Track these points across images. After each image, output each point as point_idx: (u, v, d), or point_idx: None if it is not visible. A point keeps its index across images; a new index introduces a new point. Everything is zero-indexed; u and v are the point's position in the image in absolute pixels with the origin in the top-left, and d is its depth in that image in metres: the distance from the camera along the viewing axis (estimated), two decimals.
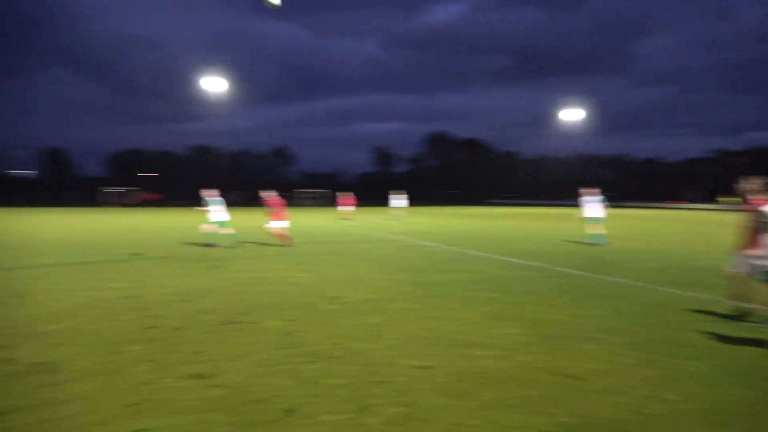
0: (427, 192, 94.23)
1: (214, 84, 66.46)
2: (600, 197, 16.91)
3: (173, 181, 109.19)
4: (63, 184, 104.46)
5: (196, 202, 19.30)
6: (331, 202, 74.50)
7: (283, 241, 15.81)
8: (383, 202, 42.93)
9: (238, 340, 5.80)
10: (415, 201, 51.19)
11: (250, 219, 30.32)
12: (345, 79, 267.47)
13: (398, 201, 34.15)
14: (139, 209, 52.82)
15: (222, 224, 15.73)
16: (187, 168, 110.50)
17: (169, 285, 9.12)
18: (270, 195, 16.24)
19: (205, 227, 15.78)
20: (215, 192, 16.03)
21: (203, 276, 10.10)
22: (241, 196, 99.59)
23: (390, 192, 35.28)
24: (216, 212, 15.69)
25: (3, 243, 16.50)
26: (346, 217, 33.42)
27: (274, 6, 9.89)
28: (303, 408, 4.03)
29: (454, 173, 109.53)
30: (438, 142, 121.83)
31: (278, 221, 15.75)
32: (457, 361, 5.19)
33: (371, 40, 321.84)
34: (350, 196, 34.41)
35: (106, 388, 4.38)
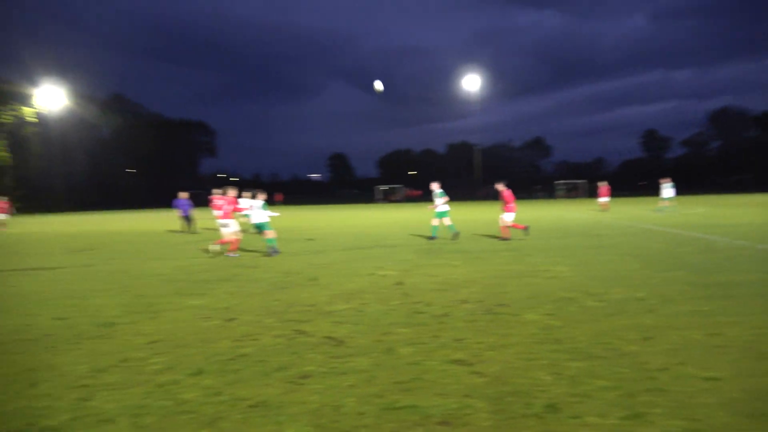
0: (703, 179, 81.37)
1: (471, 82, 68.51)
2: None
3: (434, 178, 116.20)
4: (344, 184, 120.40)
5: (454, 197, 20.05)
6: (588, 194, 70.01)
7: (504, 234, 15.32)
8: (650, 191, 38.42)
9: (498, 331, 5.84)
10: (687, 189, 44.51)
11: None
12: (605, 62, 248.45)
13: (668, 190, 30.08)
14: (403, 205, 57.61)
15: (442, 215, 15.88)
16: (446, 165, 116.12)
17: (433, 274, 9.69)
18: (503, 187, 15.59)
19: (434, 221, 16.01)
20: (437, 185, 16.45)
21: (463, 267, 10.47)
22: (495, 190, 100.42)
23: (661, 180, 31.35)
24: (440, 205, 15.90)
25: (300, 235, 19.72)
26: (605, 209, 30.99)
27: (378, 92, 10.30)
28: (566, 407, 3.83)
29: (743, 155, 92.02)
30: (723, 119, 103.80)
31: (510, 213, 15.18)
32: (750, 375, 4.33)
33: (637, 14, 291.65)
34: (606, 187, 31.78)
35: (381, 364, 4.85)
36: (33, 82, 67.05)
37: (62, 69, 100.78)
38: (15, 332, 6.38)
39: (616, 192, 36.23)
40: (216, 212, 14.12)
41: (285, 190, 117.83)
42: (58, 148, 67.96)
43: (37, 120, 69.12)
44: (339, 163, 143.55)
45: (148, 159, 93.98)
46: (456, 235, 15.83)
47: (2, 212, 28.15)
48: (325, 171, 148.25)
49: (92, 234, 23.37)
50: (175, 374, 4.74)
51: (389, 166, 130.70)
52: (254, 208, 13.63)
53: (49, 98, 64.82)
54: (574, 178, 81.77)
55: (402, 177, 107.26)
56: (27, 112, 67.36)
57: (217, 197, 14.64)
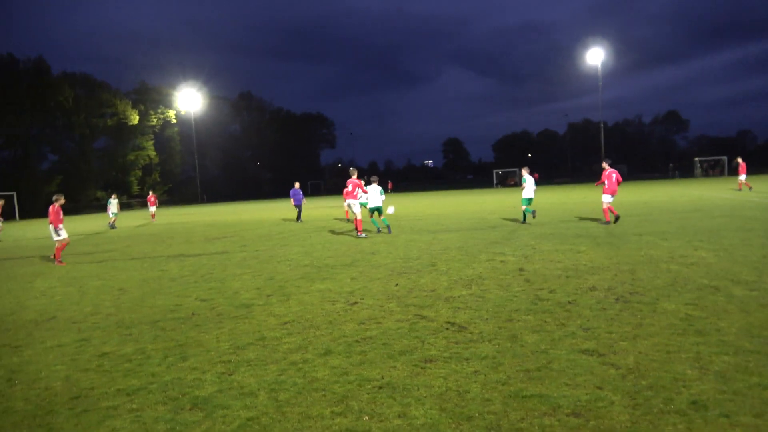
0: None
1: (594, 56, 64.40)
2: None
3: (553, 160, 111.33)
4: (459, 170, 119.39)
5: (576, 179, 19.18)
6: (733, 171, 63.04)
7: (605, 216, 14.72)
8: None
9: (631, 321, 5.46)
10: None
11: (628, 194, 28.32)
12: (754, 19, 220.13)
13: None
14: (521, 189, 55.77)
15: (530, 201, 16.15)
16: (566, 146, 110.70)
17: (556, 260, 9.30)
18: (607, 166, 15.28)
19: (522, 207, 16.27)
20: (526, 170, 17.06)
21: (589, 253, 9.93)
22: (622, 170, 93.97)
23: None
24: (528, 189, 16.13)
25: (412, 223, 19.87)
26: (743, 187, 27.80)
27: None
28: (714, 404, 3.49)
29: None
30: None
31: (606, 195, 14.82)
32: None
33: None
34: (743, 163, 28.44)
35: (505, 351, 4.75)
36: (174, 87, 74.10)
37: (198, 73, 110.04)
38: (168, 311, 7.12)
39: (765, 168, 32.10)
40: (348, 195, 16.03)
41: (399, 177, 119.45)
42: (195, 145, 74.56)
43: (176, 120, 76.36)
44: (454, 148, 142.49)
45: (272, 152, 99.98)
46: (534, 214, 16.08)
47: (152, 205, 31.59)
48: (440, 157, 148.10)
49: (225, 224, 25.36)
50: (306, 354, 5.00)
51: (506, 150, 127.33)
52: (371, 193, 15.16)
53: (188, 100, 71.17)
54: (715, 154, 73.85)
55: (519, 160, 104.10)
56: (170, 114, 74.64)
57: (349, 181, 16.35)
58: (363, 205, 15.76)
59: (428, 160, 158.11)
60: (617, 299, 6.37)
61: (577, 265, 8.76)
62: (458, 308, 6.37)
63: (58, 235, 12.89)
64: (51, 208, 12.78)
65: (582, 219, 16.31)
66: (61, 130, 64.71)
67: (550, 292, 6.95)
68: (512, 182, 74.29)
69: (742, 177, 28.48)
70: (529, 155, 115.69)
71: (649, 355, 4.47)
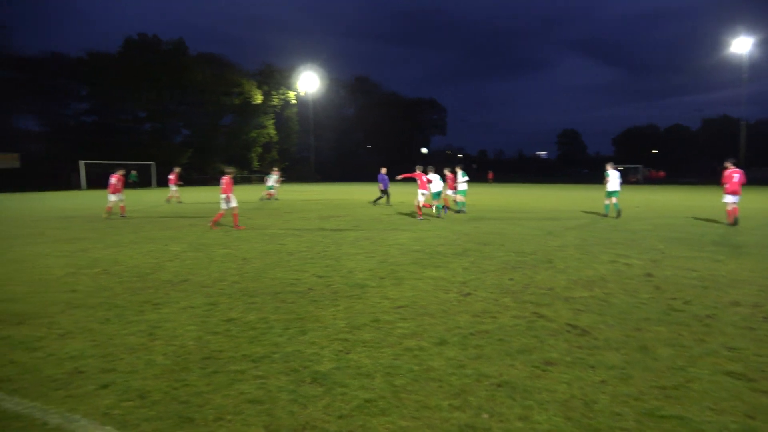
0: None
1: (738, 46, 58.11)
2: None
3: (682, 158, 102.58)
4: (574, 163, 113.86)
5: (705, 179, 17.87)
6: None
7: (728, 217, 14.78)
8: None
9: None
10: None
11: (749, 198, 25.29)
12: None
13: None
14: (644, 187, 52.05)
15: (612, 194, 17.28)
16: (700, 143, 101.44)
17: (690, 268, 8.51)
18: (730, 165, 14.99)
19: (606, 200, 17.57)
20: (610, 164, 17.91)
21: (729, 263, 8.98)
22: (765, 172, 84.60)
23: None
24: (612, 183, 17.26)
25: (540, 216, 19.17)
26: None
27: None
28: None
29: None
30: None
31: (728, 195, 14.76)
32: None
33: None
34: None
35: (635, 363, 4.40)
36: (295, 69, 77.41)
37: (317, 57, 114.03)
38: (288, 284, 7.44)
39: None
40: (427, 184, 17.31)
41: (510, 168, 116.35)
42: (312, 125, 77.58)
43: (296, 101, 79.80)
44: (569, 140, 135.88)
45: (383, 135, 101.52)
46: (619, 213, 17.22)
47: (276, 182, 33.44)
48: (554, 149, 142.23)
49: (338, 203, 26.15)
50: (421, 341, 4.97)
51: (627, 144, 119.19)
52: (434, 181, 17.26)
53: (307, 82, 74.06)
54: None
55: (642, 156, 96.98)
56: (290, 95, 78.17)
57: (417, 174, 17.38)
58: (434, 194, 17.50)
59: (541, 151, 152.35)
60: (766, 318, 5.68)
61: (715, 275, 7.94)
62: (579, 310, 6.02)
63: (229, 203, 14.32)
64: (225, 179, 14.29)
65: (718, 223, 14.82)
66: (194, 107, 70.07)
67: (685, 303, 6.35)
68: (634, 180, 69.40)
69: None
70: (655, 151, 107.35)
71: None
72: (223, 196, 14.28)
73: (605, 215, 17.61)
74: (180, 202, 26.99)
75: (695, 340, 4.97)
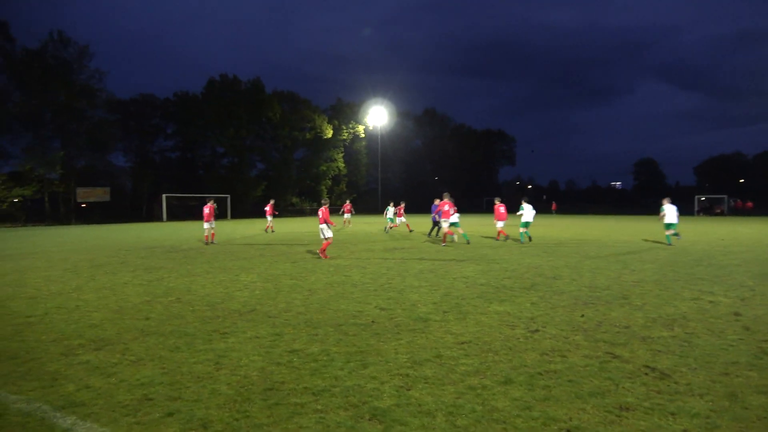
0: None
1: None
2: None
3: None
4: (652, 193, 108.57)
5: None
6: None
7: None
8: None
9: None
10: None
11: None
12: None
13: None
14: (730, 218, 48.72)
15: (670, 226, 18.44)
16: None
17: None
18: None
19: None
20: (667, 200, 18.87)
21: None
22: None
23: None
24: (669, 216, 18.43)
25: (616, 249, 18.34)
26: None
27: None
28: None
29: None
30: None
31: None
32: None
33: None
34: None
35: (723, 411, 4.01)
36: (365, 103, 79.36)
37: (386, 91, 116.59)
38: (351, 316, 7.44)
39: None
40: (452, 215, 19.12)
41: (582, 198, 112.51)
42: (380, 158, 78.77)
43: (364, 135, 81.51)
44: (647, 170, 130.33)
45: (452, 167, 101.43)
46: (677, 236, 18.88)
47: (347, 213, 34.29)
48: (629, 179, 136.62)
49: (402, 235, 26.16)
50: (485, 379, 4.79)
51: (710, 173, 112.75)
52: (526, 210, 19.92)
53: (376, 116, 75.60)
54: None
55: (728, 185, 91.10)
56: (359, 129, 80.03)
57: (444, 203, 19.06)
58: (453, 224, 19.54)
59: (616, 181, 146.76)
60: None
61: None
62: (658, 351, 5.61)
63: (327, 234, 14.90)
64: (323, 209, 14.92)
65: None
66: (269, 141, 73.16)
67: None
68: (719, 210, 65.15)
69: None
70: (741, 180, 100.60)
71: None
72: (323, 225, 14.84)
73: (669, 244, 18.58)
74: (273, 232, 28.66)
75: None
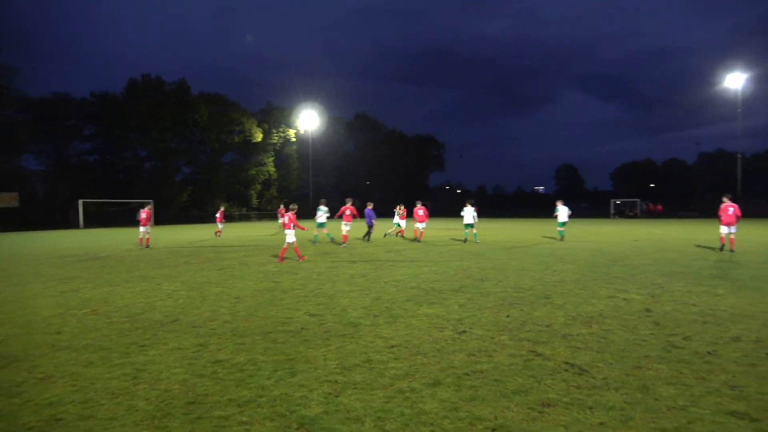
0: None
1: (732, 81, 59.12)
2: None
3: (679, 191, 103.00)
4: (572, 197, 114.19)
5: (703, 213, 18.08)
6: None
7: (722, 241, 16.71)
8: None
9: None
10: None
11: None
12: None
13: None
14: (642, 221, 52.06)
15: (562, 224, 22.76)
16: (696, 176, 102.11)
17: (690, 302, 8.36)
18: (726, 200, 16.76)
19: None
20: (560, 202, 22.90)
21: (729, 297, 8.83)
22: (762, 205, 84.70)
23: None
24: (561, 215, 22.38)
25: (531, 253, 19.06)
26: None
27: None
28: None
29: None
30: None
31: (724, 226, 16.69)
32: None
33: None
34: None
35: (635, 403, 4.23)
36: (296, 107, 78.49)
37: (318, 95, 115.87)
38: (280, 323, 7.28)
39: None
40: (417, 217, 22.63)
41: (508, 203, 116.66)
42: (311, 162, 78.09)
43: (295, 139, 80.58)
44: (568, 175, 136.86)
45: (384, 171, 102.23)
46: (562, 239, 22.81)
47: (281, 216, 33.38)
48: (552, 184, 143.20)
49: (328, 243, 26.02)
50: (414, 382, 4.81)
51: (626, 179, 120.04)
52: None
53: (307, 120, 74.92)
54: None
55: (640, 190, 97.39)
56: (290, 133, 79.03)
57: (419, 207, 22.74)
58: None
59: (539, 186, 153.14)
60: None
61: (715, 310, 7.80)
62: (577, 348, 5.86)
63: (290, 239, 15.28)
64: (290, 214, 15.32)
65: (719, 259, 14.71)
66: (196, 145, 70.73)
67: (685, 339, 6.20)
68: (632, 214, 69.41)
69: None
70: (652, 185, 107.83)
71: None
72: (288, 231, 15.22)
73: (561, 239, 22.84)
74: (220, 236, 29.65)
75: (696, 379, 4.81)
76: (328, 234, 23.18)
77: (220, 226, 30.81)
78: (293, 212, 15.37)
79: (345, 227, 20.61)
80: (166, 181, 63.45)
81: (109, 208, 55.33)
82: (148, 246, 21.57)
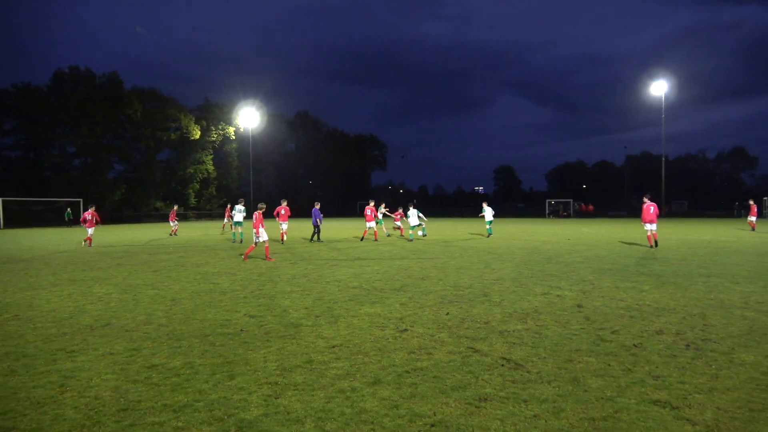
0: None
1: (658, 88, 62.63)
2: None
3: (609, 192, 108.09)
4: (510, 197, 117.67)
5: (631, 212, 19.11)
6: None
7: (649, 241, 18.33)
8: None
9: (706, 371, 5.01)
10: None
11: (696, 231, 26.91)
12: None
13: None
14: (575, 220, 54.33)
15: (489, 222, 25.05)
16: (624, 178, 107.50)
17: (618, 298, 8.81)
18: (647, 200, 18.33)
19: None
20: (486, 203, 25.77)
21: (653, 292, 9.37)
22: (683, 206, 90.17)
23: None
24: (488, 215, 25.02)
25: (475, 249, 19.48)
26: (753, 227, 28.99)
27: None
28: None
29: None
30: None
31: (646, 224, 18.26)
32: None
33: None
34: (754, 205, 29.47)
35: (567, 395, 4.42)
36: (236, 105, 76.69)
37: (258, 92, 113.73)
38: (218, 325, 7.12)
39: None
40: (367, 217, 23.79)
41: (449, 203, 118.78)
42: (251, 161, 76.63)
43: (235, 137, 78.79)
44: (505, 176, 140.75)
45: (325, 171, 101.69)
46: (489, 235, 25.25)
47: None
48: (491, 184, 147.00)
49: (277, 239, 25.66)
50: (355, 381, 4.82)
51: (559, 180, 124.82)
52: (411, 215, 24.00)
53: (247, 118, 73.38)
54: None
55: (573, 191, 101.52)
56: (229, 130, 77.18)
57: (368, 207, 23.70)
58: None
59: (479, 186, 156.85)
60: (688, 346, 5.90)
61: (640, 305, 8.25)
62: (514, 343, 6.06)
63: (260, 237, 15.38)
64: (256, 214, 15.35)
65: (642, 247, 15.57)
66: (129, 142, 67.84)
67: (613, 332, 6.53)
68: (565, 213, 72.26)
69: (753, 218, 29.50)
70: (584, 186, 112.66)
71: (729, 411, 4.06)
72: (255, 230, 15.37)
73: (489, 235, 25.45)
74: (176, 235, 30.06)
75: (623, 370, 5.07)
76: (240, 233, 24.06)
77: (173, 224, 31.08)
78: (260, 211, 15.42)
79: (283, 226, 21.77)
80: (96, 179, 60.57)
81: (34, 207, 52.21)
82: (89, 246, 22.10)
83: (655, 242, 18.15)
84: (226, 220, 29.98)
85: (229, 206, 30.64)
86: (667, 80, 63.32)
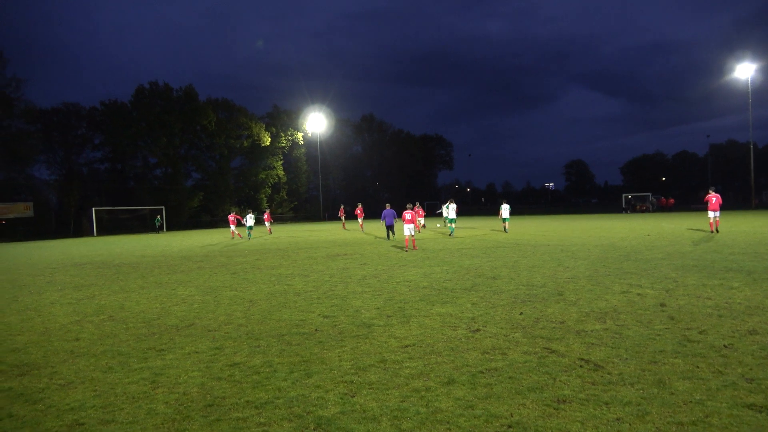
0: None
1: (741, 72, 58.54)
2: None
3: (691, 184, 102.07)
4: (582, 193, 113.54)
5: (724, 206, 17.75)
6: None
7: (711, 228, 20.54)
8: None
9: None
10: None
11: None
12: None
13: None
14: (653, 215, 51.67)
15: (505, 220, 26.52)
16: (708, 169, 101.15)
17: (705, 296, 8.31)
18: (712, 192, 20.83)
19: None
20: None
21: (744, 290, 8.77)
22: None
23: None
24: (504, 212, 26.26)
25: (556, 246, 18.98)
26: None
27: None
28: None
29: None
30: None
31: (711, 212, 20.67)
32: None
33: None
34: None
35: (651, 398, 4.23)
36: (303, 111, 78.69)
37: (324, 98, 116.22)
38: (293, 325, 7.34)
39: None
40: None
41: (518, 200, 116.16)
42: (320, 165, 78.31)
43: (303, 142, 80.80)
44: (577, 171, 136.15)
45: (391, 172, 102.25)
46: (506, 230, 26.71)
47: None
48: (561, 179, 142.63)
49: (345, 241, 26.10)
50: (428, 381, 4.84)
51: (636, 173, 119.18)
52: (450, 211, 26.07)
53: (315, 123, 75.08)
54: None
55: (651, 184, 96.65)
56: (298, 136, 79.25)
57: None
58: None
59: (549, 182, 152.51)
60: None
61: (730, 303, 7.75)
62: (592, 344, 5.86)
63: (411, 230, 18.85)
64: (412, 211, 19.35)
65: (732, 252, 14.58)
66: (204, 150, 71.19)
67: (701, 332, 6.17)
68: (643, 208, 68.88)
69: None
70: (663, 179, 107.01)
71: None
72: (408, 226, 18.74)
73: (506, 231, 27.09)
74: (240, 238, 31.82)
75: (713, 372, 4.79)
76: (249, 235, 30.78)
77: (268, 225, 36.51)
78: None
79: (360, 220, 29.50)
80: (175, 188, 63.90)
81: (121, 216, 55.85)
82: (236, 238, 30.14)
83: (716, 229, 20.68)
84: (233, 227, 31.27)
85: (232, 215, 31.59)
86: (751, 62, 58.94)
